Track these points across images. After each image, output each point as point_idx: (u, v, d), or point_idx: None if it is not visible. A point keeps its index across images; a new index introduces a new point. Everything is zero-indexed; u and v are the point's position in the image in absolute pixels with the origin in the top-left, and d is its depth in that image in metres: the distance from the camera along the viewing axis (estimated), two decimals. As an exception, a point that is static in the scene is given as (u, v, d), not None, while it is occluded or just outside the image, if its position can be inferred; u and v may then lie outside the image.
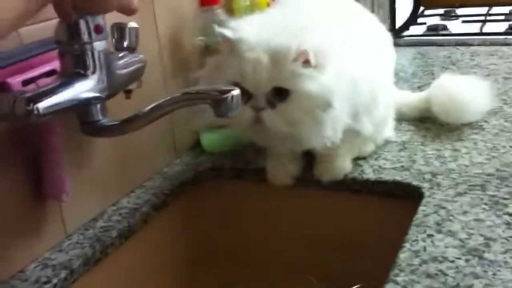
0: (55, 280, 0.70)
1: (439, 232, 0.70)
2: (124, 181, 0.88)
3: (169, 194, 0.89)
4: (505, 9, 1.80)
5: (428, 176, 0.83)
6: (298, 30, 0.75)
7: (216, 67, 0.80)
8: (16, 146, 0.70)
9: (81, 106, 0.65)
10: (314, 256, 0.93)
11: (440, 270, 0.63)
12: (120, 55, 0.73)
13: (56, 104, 0.61)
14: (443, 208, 0.75)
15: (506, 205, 0.74)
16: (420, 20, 1.77)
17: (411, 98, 1.05)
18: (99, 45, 0.65)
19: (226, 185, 0.96)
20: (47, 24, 0.69)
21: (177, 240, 0.93)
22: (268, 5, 1.06)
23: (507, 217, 0.71)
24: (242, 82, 0.74)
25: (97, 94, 0.66)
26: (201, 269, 0.98)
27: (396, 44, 1.00)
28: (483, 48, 1.43)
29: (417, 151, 0.92)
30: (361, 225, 0.89)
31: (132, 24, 0.74)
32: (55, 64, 0.68)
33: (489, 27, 1.65)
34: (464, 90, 0.98)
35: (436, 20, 1.82)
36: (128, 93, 0.78)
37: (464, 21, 1.80)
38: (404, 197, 0.83)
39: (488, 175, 0.82)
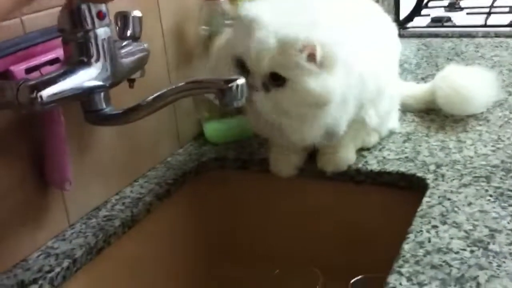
0: (58, 269, 0.70)
1: (443, 223, 0.70)
2: (128, 171, 0.88)
3: (172, 184, 0.89)
4: (510, 1, 1.79)
5: (432, 167, 0.83)
6: (311, 23, 0.75)
7: (226, 42, 0.81)
8: (19, 135, 0.69)
9: (85, 95, 0.65)
10: (317, 247, 0.93)
11: (444, 261, 0.63)
12: (123, 43, 0.73)
13: (59, 92, 0.61)
14: (448, 199, 0.75)
15: (511, 197, 0.74)
16: (424, 11, 1.76)
17: (415, 90, 1.05)
18: (102, 32, 0.64)
19: (230, 176, 0.96)
20: (50, 12, 0.69)
21: (180, 230, 0.93)
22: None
23: (512, 209, 0.71)
24: (245, 58, 0.75)
25: (100, 83, 0.66)
26: (203, 259, 0.98)
27: (400, 36, 0.99)
28: (487, 40, 1.42)
29: (421, 142, 0.91)
30: (365, 216, 0.89)
31: (136, 13, 0.74)
32: (59, 52, 0.68)
33: (493, 19, 1.64)
34: (469, 83, 0.97)
35: (440, 12, 1.81)
36: (131, 82, 0.77)
37: (468, 13, 1.79)
38: (408, 188, 0.83)
39: (493, 166, 0.81)
